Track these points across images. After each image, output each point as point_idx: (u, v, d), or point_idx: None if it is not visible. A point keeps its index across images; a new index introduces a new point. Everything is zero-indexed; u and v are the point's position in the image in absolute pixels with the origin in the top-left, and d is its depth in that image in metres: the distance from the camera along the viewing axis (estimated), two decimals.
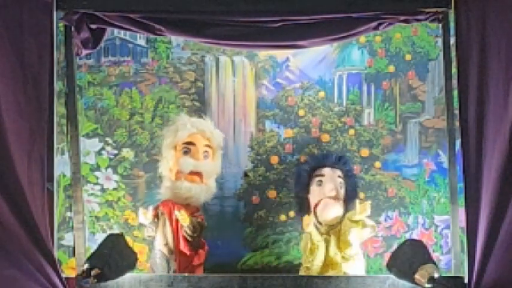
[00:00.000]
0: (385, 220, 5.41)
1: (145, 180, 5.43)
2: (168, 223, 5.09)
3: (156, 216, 5.11)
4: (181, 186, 5.08)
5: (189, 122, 5.17)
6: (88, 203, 5.34)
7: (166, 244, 5.09)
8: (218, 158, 5.26)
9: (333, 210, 4.95)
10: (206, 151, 5.17)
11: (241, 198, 5.44)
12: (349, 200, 5.02)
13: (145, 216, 5.07)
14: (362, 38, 5.37)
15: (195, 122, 5.19)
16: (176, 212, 4.99)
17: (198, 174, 5.14)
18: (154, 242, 5.13)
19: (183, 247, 5.05)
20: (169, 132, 5.19)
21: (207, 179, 5.17)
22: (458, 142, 4.60)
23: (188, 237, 5.05)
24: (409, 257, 4.43)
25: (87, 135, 5.40)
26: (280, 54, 5.43)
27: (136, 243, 5.28)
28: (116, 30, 5.29)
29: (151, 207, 5.12)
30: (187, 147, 5.13)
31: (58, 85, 4.82)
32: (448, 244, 5.32)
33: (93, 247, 4.78)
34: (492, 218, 4.36)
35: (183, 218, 4.96)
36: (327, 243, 4.94)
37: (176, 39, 5.38)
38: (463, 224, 4.52)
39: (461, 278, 4.52)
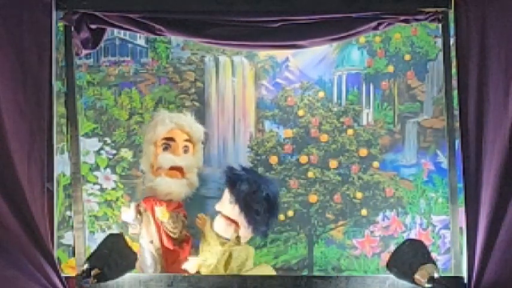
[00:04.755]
0: (383, 220, 5.41)
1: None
2: (152, 220, 5.11)
3: (139, 213, 5.12)
4: (161, 183, 5.11)
5: (168, 117, 5.19)
6: (87, 202, 5.33)
7: (152, 242, 5.11)
8: (199, 151, 5.28)
9: (221, 228, 5.08)
10: (186, 146, 5.20)
11: None
12: (248, 223, 5.01)
13: (126, 213, 5.09)
14: (362, 38, 5.36)
15: (174, 117, 5.21)
16: (156, 208, 5.03)
17: (179, 169, 5.17)
18: (140, 240, 5.15)
19: (167, 242, 5.09)
20: (148, 128, 5.21)
21: (188, 174, 5.20)
22: (457, 142, 4.61)
23: (169, 233, 5.08)
24: (409, 257, 4.43)
25: (87, 135, 5.39)
26: (280, 54, 5.42)
27: (136, 243, 5.26)
28: (115, 30, 5.27)
29: (133, 204, 5.12)
30: (167, 143, 5.16)
31: (58, 85, 4.81)
32: (445, 244, 5.32)
33: (92, 246, 4.79)
34: (492, 217, 4.38)
35: (163, 214, 5.00)
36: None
37: (176, 39, 5.36)
38: (463, 223, 4.53)
39: (461, 278, 4.53)
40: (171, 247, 5.09)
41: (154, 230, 5.11)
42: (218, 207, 5.10)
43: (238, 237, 5.05)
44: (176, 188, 5.13)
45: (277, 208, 5.10)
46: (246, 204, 4.96)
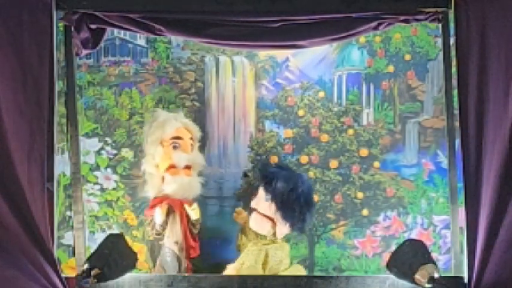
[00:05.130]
0: (384, 220, 5.41)
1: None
2: (178, 220, 5.10)
3: (167, 214, 5.12)
4: (182, 182, 5.09)
5: (172, 116, 5.19)
6: (87, 202, 5.34)
7: (177, 242, 5.10)
8: (197, 149, 5.27)
9: (257, 225, 5.06)
10: (191, 144, 5.20)
11: (241, 198, 5.43)
12: (285, 220, 5.01)
13: (160, 215, 5.03)
14: (362, 38, 5.36)
15: (177, 116, 5.21)
16: (186, 207, 5.05)
17: (189, 167, 5.16)
18: (162, 240, 5.12)
19: (192, 241, 5.12)
20: (153, 128, 5.17)
21: (194, 171, 5.21)
22: (457, 142, 4.61)
23: (194, 230, 5.11)
24: (409, 257, 4.42)
25: (87, 135, 5.39)
26: (280, 54, 5.42)
27: (136, 243, 5.27)
28: (115, 30, 5.28)
29: (165, 205, 5.09)
30: (176, 142, 5.14)
31: (58, 85, 4.81)
32: (446, 244, 5.32)
33: (93, 246, 4.79)
34: (492, 217, 4.38)
35: (196, 212, 5.05)
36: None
37: (176, 39, 5.37)
38: (463, 223, 4.53)
39: (462, 278, 4.52)
40: (193, 244, 5.12)
41: (180, 230, 5.10)
42: (254, 204, 5.08)
43: (274, 234, 5.05)
44: (195, 186, 5.15)
45: (313, 203, 5.10)
46: (283, 203, 4.95)
